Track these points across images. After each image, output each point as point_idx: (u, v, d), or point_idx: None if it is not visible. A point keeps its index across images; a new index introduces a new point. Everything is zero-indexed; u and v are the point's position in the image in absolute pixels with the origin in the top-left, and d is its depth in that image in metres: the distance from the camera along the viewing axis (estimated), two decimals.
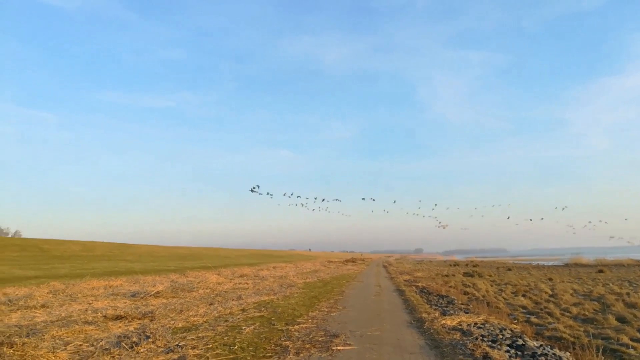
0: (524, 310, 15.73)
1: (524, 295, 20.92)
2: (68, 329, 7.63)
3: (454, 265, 67.77)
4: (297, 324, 9.34)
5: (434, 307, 13.65)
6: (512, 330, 9.91)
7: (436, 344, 7.82)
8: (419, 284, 23.18)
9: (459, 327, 9.52)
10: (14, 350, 5.37)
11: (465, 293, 21.28)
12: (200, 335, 7.73)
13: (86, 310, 10.25)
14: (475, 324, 10.13)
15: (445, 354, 6.97)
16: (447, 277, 35.16)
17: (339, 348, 7.14)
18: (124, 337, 7.05)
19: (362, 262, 66.58)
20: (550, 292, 21.66)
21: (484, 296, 20.12)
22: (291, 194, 38.06)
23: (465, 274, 39.63)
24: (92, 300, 11.82)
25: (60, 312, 9.92)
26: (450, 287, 24.63)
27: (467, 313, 12.21)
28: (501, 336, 8.95)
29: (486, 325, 10.08)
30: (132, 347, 6.40)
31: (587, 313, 14.78)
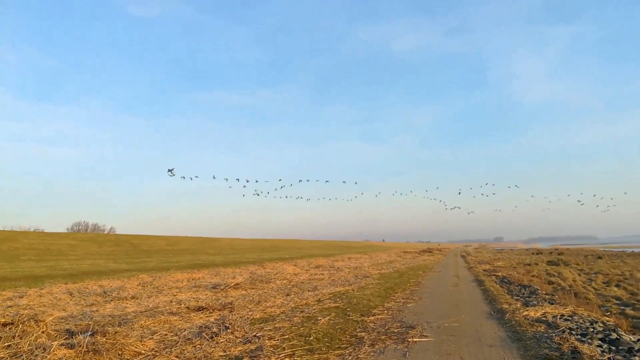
0: (617, 302, 14.61)
1: (617, 286, 19.45)
2: (155, 319, 8.08)
3: (537, 254, 64.54)
4: (373, 315, 9.28)
5: (516, 297, 13.01)
6: (604, 323, 9.21)
7: (518, 336, 7.42)
8: (499, 274, 22.24)
9: (544, 318, 8.98)
10: (106, 339, 5.76)
11: (550, 283, 20.14)
12: (277, 326, 7.89)
13: (171, 301, 10.84)
14: (562, 315, 9.52)
15: (528, 347, 6.59)
16: (529, 266, 33.54)
17: (415, 340, 6.99)
18: (205, 327, 7.35)
19: (439, 252, 65.06)
20: None
21: (570, 286, 18.94)
22: (237, 180, 37.08)
23: (549, 263, 37.64)
24: (177, 292, 12.49)
25: (148, 303, 10.56)
26: (532, 276, 23.43)
27: (552, 304, 11.51)
28: (592, 329, 8.34)
29: (574, 317, 9.45)
30: (212, 337, 6.65)
31: None
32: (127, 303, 10.47)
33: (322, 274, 19.32)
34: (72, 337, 5.87)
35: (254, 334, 7.07)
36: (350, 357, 5.84)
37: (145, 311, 9.36)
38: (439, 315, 9.39)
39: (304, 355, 5.96)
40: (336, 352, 6.18)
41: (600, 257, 50.64)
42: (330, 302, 11.00)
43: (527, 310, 9.88)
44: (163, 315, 8.70)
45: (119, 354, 5.45)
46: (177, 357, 5.57)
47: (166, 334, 6.92)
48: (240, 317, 8.68)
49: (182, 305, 10.09)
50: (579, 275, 25.54)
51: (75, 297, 11.24)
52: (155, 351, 5.81)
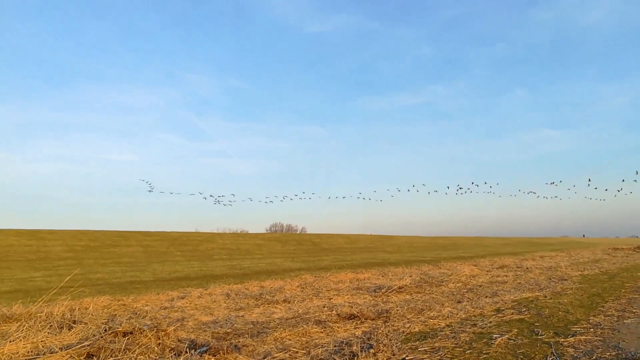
0: None
1: None
2: (294, 330, 7.06)
3: None
4: (572, 335, 6.87)
5: None
6: None
7: None
8: None
9: None
10: (215, 359, 4.80)
11: None
12: (435, 345, 6.16)
13: (324, 306, 9.81)
14: None
15: None
16: None
17: None
18: (345, 344, 6.05)
19: None
20: None
21: None
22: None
23: None
24: (334, 295, 11.48)
25: (298, 307, 9.70)
26: None
27: None
28: None
29: None
30: None
31: None
32: (277, 307, 9.75)
33: (507, 276, 16.56)
34: (187, 352, 5.08)
35: (403, 356, 5.49)
36: None
37: (292, 318, 8.46)
38: None
39: None
40: None
41: None
42: (512, 313, 8.76)
43: None
44: (307, 324, 7.65)
45: None
46: None
47: (296, 352, 5.76)
48: (394, 330, 7.17)
49: (334, 311, 8.95)
50: None
51: (231, 299, 10.99)
52: None
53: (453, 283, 14.10)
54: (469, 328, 7.42)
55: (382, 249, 51.27)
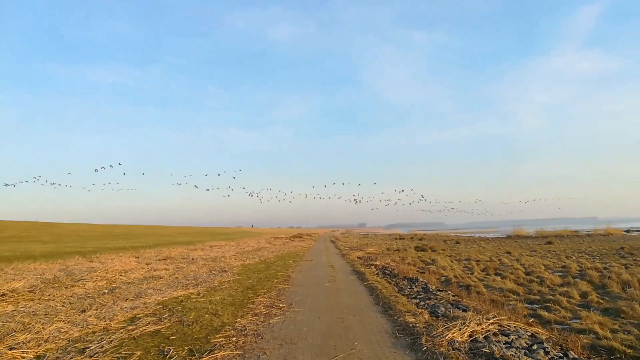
0: (517, 297, 12.19)
1: (498, 274, 17.73)
2: None
3: (400, 239, 66.12)
4: (209, 351, 5.23)
5: (413, 299, 9.85)
6: (555, 344, 6.33)
7: None
8: (377, 263, 19.56)
9: (481, 347, 5.65)
10: None
11: (432, 272, 17.87)
12: None
13: None
14: (494, 333, 6.40)
15: None
16: (399, 251, 32.31)
17: None
18: None
19: (310, 238, 63.32)
20: (524, 270, 18.60)
21: (455, 277, 16.76)
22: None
23: (417, 249, 37.00)
24: None
25: None
26: (409, 264, 21.31)
27: (464, 310, 8.50)
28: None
29: (510, 335, 6.40)
30: None
31: (597, 299, 11.50)
32: None
33: (166, 269, 14.68)
34: None
35: None
36: None
37: None
38: (318, 344, 5.70)
39: None
40: None
41: (458, 242, 52.42)
42: (149, 323, 6.74)
43: (445, 327, 6.54)
44: None
45: None
46: None
47: None
48: None
49: None
50: (452, 262, 24.11)
51: None
52: None
53: (94, 282, 11.25)
54: (73, 357, 4.94)
55: (36, 239, 42.83)
